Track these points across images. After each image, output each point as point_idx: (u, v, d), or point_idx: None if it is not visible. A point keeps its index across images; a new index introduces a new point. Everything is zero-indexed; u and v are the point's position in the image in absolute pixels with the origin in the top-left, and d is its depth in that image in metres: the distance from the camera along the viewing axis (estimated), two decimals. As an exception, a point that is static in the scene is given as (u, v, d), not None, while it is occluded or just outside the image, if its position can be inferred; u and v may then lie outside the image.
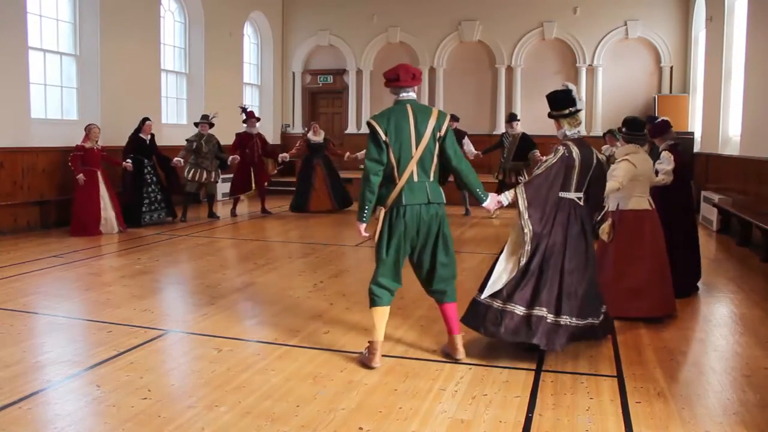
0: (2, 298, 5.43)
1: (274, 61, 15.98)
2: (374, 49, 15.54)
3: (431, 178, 3.90)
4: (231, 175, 11.16)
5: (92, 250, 7.76)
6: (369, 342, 4.02)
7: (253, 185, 10.91)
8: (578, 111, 4.22)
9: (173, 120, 12.91)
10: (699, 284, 6.01)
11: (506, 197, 4.14)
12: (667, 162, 5.59)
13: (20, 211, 8.98)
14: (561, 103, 4.22)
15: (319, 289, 5.89)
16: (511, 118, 11.09)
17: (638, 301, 4.89)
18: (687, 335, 4.67)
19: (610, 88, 14.17)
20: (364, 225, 3.94)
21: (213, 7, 13.36)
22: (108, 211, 8.86)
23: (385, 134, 3.80)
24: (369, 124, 3.87)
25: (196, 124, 10.37)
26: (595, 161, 4.21)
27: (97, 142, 8.89)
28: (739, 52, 10.25)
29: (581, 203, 4.19)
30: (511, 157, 10.79)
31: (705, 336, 4.69)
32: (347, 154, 11.45)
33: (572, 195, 4.13)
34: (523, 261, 3.99)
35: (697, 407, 3.40)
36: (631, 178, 4.96)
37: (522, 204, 4.02)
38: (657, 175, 5.54)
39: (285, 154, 11.21)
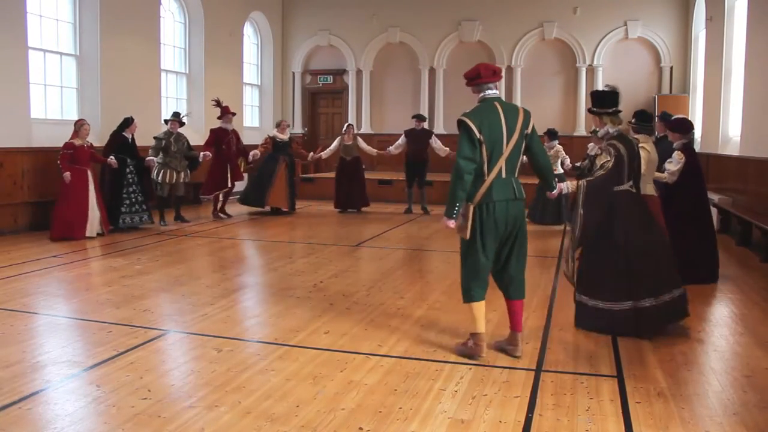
0: (2, 298, 5.43)
1: (274, 61, 15.97)
2: (374, 50, 15.53)
3: (515, 174, 3.99)
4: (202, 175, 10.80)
5: (91, 250, 7.76)
6: (471, 334, 4.08)
7: (229, 183, 10.72)
8: (620, 111, 4.54)
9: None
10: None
11: (567, 186, 4.59)
12: (676, 162, 5.86)
13: (20, 211, 8.97)
14: (608, 101, 4.51)
15: (319, 289, 5.89)
16: None
17: None
18: (687, 335, 4.66)
19: (610, 89, 14.16)
20: (453, 221, 3.97)
21: (213, 7, 13.36)
22: (94, 212, 8.50)
23: (479, 132, 3.82)
24: (462, 122, 3.87)
25: (166, 122, 9.94)
26: (636, 151, 4.56)
27: (86, 139, 8.63)
28: (739, 52, 10.25)
29: (634, 190, 4.54)
30: None
31: (705, 336, 4.69)
32: (311, 154, 11.63)
33: (625, 186, 4.49)
34: (575, 245, 4.63)
35: (697, 407, 3.40)
36: (647, 164, 5.25)
37: (581, 196, 4.52)
38: (663, 172, 5.84)
39: (255, 151, 10.98)
